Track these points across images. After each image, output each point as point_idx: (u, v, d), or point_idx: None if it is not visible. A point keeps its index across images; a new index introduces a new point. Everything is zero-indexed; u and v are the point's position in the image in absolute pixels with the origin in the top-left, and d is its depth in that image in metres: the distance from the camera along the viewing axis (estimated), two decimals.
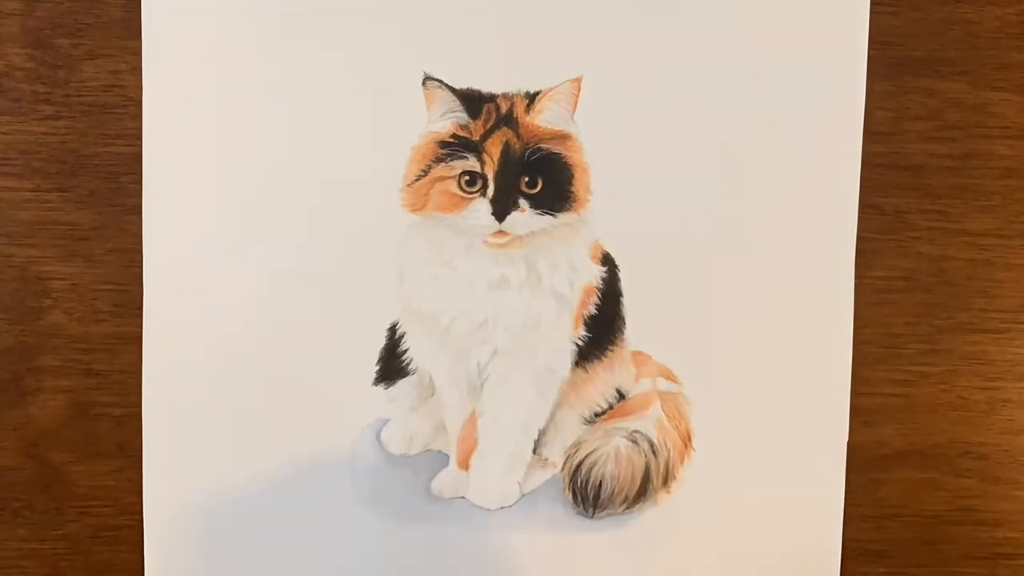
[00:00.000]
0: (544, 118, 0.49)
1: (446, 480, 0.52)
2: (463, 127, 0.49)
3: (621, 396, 0.52)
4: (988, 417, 0.53)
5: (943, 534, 0.54)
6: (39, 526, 0.51)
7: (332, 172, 0.50)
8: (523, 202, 0.49)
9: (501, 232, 0.49)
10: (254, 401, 0.51)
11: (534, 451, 0.52)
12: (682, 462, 0.52)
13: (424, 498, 0.52)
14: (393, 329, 0.51)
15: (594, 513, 0.52)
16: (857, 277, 0.52)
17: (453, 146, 0.49)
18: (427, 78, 0.49)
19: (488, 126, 0.49)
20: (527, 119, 0.49)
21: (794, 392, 0.52)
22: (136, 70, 0.49)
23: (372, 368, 0.51)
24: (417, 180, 0.49)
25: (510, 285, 0.50)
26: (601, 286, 0.51)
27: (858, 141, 0.51)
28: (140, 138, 0.50)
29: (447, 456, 0.52)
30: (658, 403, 0.52)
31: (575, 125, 0.50)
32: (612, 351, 0.51)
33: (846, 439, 0.52)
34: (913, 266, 0.53)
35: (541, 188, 0.49)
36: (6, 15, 0.49)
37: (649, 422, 0.52)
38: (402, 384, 0.52)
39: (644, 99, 0.50)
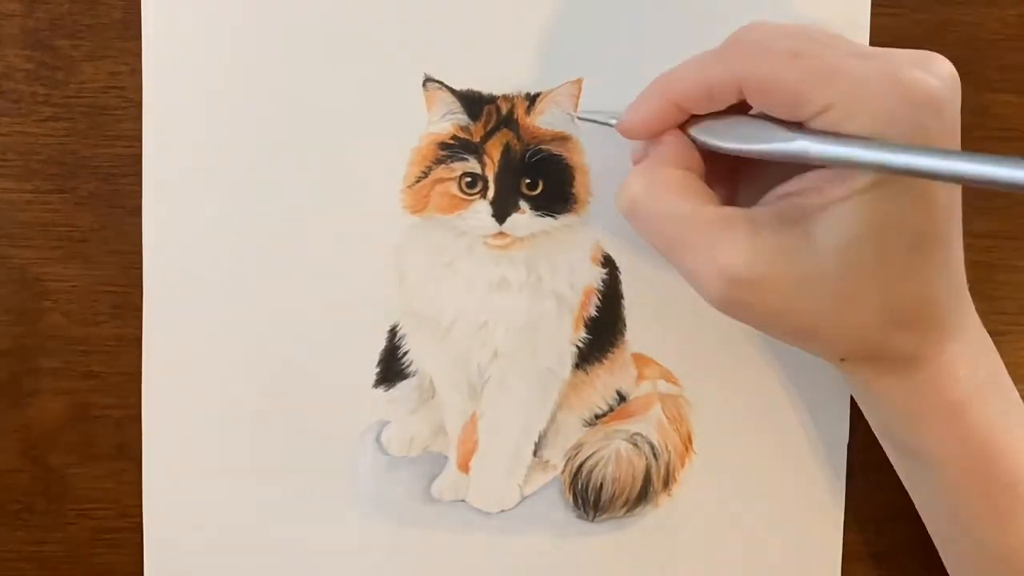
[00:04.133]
0: (545, 119, 0.49)
1: (446, 482, 0.52)
2: (463, 128, 0.49)
3: (622, 398, 0.52)
4: None
5: None
6: (38, 528, 0.51)
7: (332, 173, 0.50)
8: (524, 204, 0.49)
9: (502, 234, 0.49)
10: (254, 403, 0.51)
11: (534, 453, 0.52)
12: (683, 465, 0.52)
13: (424, 501, 0.52)
14: (393, 331, 0.51)
15: (595, 516, 0.51)
16: None
17: (453, 148, 0.49)
18: (427, 79, 0.49)
19: (488, 127, 0.49)
20: (527, 120, 0.49)
21: (795, 393, 0.52)
22: (136, 72, 0.49)
23: (372, 370, 0.51)
24: (417, 182, 0.49)
25: (510, 287, 0.50)
26: (602, 288, 0.51)
27: None
28: (140, 140, 0.49)
29: (447, 458, 0.52)
30: (659, 405, 0.52)
31: (576, 127, 0.50)
32: (613, 353, 0.51)
33: (847, 441, 0.52)
34: None
35: (542, 190, 0.49)
36: (5, 16, 0.49)
37: (650, 424, 0.51)
38: (402, 386, 0.52)
39: None
